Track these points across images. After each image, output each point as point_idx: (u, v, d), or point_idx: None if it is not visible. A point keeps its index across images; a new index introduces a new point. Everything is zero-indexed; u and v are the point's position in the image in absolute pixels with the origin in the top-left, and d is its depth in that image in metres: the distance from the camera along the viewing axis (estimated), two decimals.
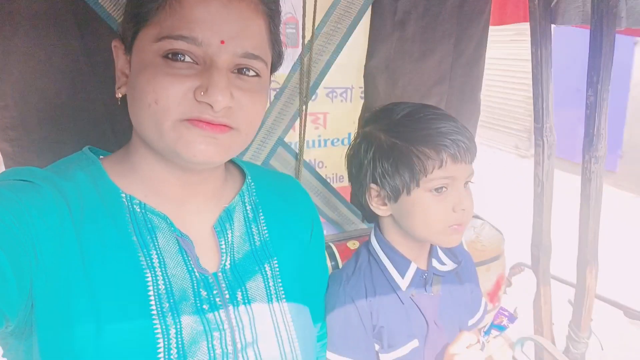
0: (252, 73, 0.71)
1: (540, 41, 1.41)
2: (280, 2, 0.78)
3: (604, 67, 1.24)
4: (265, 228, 0.88)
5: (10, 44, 0.98)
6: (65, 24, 1.01)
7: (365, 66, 1.35)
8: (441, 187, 0.92)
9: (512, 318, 0.92)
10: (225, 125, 0.69)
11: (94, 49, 1.04)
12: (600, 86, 1.25)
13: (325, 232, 1.38)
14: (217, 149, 0.69)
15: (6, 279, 0.57)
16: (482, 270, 1.51)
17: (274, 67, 0.80)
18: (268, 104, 1.26)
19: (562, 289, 1.65)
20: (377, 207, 1.01)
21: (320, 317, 0.99)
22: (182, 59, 0.66)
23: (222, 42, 0.66)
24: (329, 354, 0.98)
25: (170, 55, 0.66)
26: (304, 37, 1.21)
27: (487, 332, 0.94)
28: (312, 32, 1.21)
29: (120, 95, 0.75)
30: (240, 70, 0.70)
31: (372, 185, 1.00)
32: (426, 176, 0.91)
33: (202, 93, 0.65)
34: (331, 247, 1.30)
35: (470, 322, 1.12)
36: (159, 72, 0.66)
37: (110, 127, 1.10)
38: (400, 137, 0.94)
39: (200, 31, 0.65)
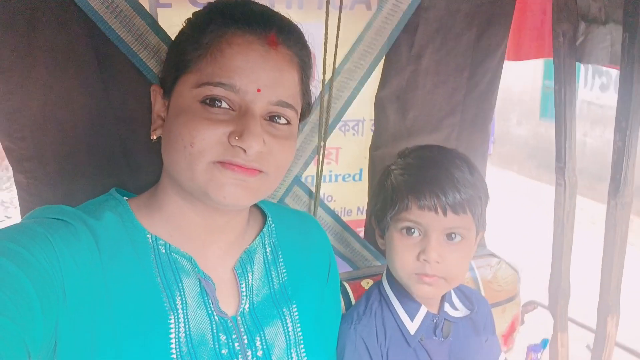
0: (283, 121, 0.75)
1: (564, 79, 1.38)
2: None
3: (634, 112, 1.20)
4: (284, 271, 0.89)
5: (29, 77, 0.98)
6: (85, 59, 1.01)
7: (377, 96, 1.34)
8: (409, 229, 0.94)
9: (537, 348, 0.89)
10: (255, 170, 0.72)
11: (112, 84, 1.05)
12: (630, 132, 1.21)
13: (338, 270, 1.35)
14: (246, 192, 0.72)
15: (33, 313, 0.58)
16: (498, 311, 1.46)
17: (303, 116, 0.83)
18: None
19: (579, 333, 1.60)
20: (380, 243, 1.05)
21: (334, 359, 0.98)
22: (219, 105, 0.71)
23: (259, 90, 0.71)
24: None
25: (208, 101, 0.70)
26: (324, 73, 1.19)
27: None
28: (333, 69, 1.19)
29: (155, 137, 0.79)
30: (272, 118, 0.74)
31: (373, 219, 1.05)
32: (395, 215, 0.95)
33: (237, 138, 0.68)
34: (344, 286, 1.27)
35: None
36: (196, 116, 0.69)
37: (126, 163, 1.10)
38: (396, 178, 0.98)
39: (238, 79, 0.70)
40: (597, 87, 7.24)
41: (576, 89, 1.40)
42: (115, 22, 0.99)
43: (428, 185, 0.92)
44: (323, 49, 1.14)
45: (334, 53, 1.17)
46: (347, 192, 1.40)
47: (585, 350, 1.57)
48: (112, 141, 1.08)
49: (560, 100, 1.40)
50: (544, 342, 0.89)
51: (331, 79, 1.21)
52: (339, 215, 1.42)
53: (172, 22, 0.92)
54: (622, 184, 1.27)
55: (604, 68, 7.32)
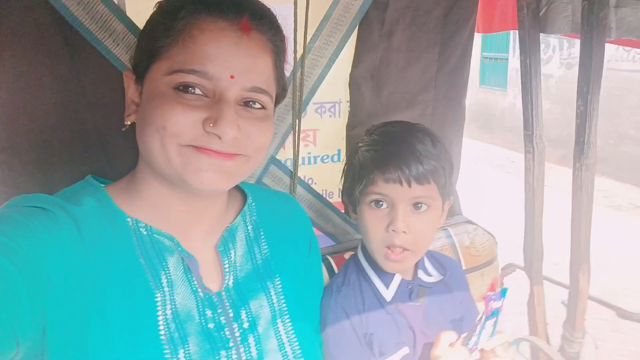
0: (258, 106, 0.75)
1: (529, 49, 1.42)
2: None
3: (594, 78, 1.25)
4: (266, 246, 0.90)
5: None
6: (55, 45, 0.99)
7: (351, 75, 1.35)
8: (378, 202, 0.99)
9: (497, 296, 0.88)
10: (232, 154, 0.72)
11: (83, 71, 1.03)
12: (591, 96, 1.26)
13: (321, 245, 1.38)
14: (223, 177, 0.73)
15: (20, 301, 0.59)
16: (476, 275, 1.51)
17: (278, 101, 0.84)
18: None
19: (556, 291, 1.67)
20: (353, 218, 1.09)
21: (318, 332, 1.01)
22: (192, 91, 0.70)
23: (232, 76, 0.70)
24: None
25: (181, 88, 0.70)
26: (295, 51, 1.19)
27: (482, 328, 0.90)
28: (304, 47, 1.20)
29: (128, 123, 0.78)
30: (246, 103, 0.74)
31: (344, 196, 1.10)
32: (363, 190, 0.99)
33: (211, 125, 0.68)
34: (328, 260, 1.30)
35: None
36: (170, 100, 0.69)
37: (102, 151, 1.09)
38: (363, 154, 1.01)
39: (211, 66, 0.69)
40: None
41: (540, 59, 1.43)
42: (78, 10, 0.97)
43: (392, 159, 0.96)
44: (293, 28, 1.15)
45: (304, 31, 1.18)
46: (327, 174, 1.42)
47: (561, 306, 1.64)
48: (86, 129, 1.06)
49: (526, 70, 1.44)
50: (503, 291, 0.89)
51: (302, 57, 1.21)
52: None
53: (140, 8, 0.91)
54: (586, 146, 1.32)
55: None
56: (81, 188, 0.78)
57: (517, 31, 1.40)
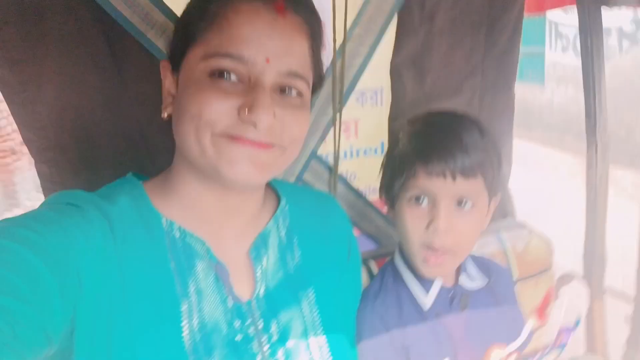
0: (294, 93, 0.73)
1: (590, 28, 1.29)
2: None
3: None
4: (299, 254, 0.87)
5: (43, 65, 0.98)
6: (96, 43, 1.01)
7: (392, 63, 1.29)
8: (418, 198, 0.91)
9: (570, 329, 0.86)
10: (268, 144, 0.70)
11: (125, 66, 1.04)
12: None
13: (362, 248, 1.31)
14: (258, 169, 0.70)
15: (52, 299, 0.58)
16: (530, 284, 1.42)
17: (315, 89, 0.80)
18: None
19: (619, 305, 1.54)
20: (390, 215, 1.03)
21: (354, 343, 0.96)
22: (227, 77, 0.69)
23: (267, 60, 0.68)
24: None
25: (216, 74, 0.68)
26: (334, 40, 1.15)
27: (544, 355, 0.88)
28: (344, 35, 1.15)
29: (166, 115, 0.77)
30: (283, 90, 0.72)
31: (382, 191, 1.03)
32: (404, 184, 0.93)
33: (247, 111, 0.67)
34: (369, 265, 1.24)
35: (511, 347, 1.03)
36: (205, 88, 0.68)
37: (144, 146, 1.10)
38: (404, 145, 0.95)
39: (246, 49, 0.68)
40: (560, 49, 7.58)
41: (602, 37, 1.30)
42: (119, 3, 0.98)
43: (436, 150, 0.89)
44: (332, 15, 1.11)
45: (343, 18, 1.13)
46: (370, 168, 1.34)
47: (624, 322, 1.52)
48: (129, 124, 1.07)
49: (587, 51, 1.31)
50: (577, 323, 0.86)
51: (343, 45, 1.16)
52: (365, 194, 1.38)
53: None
54: None
55: (564, 31, 7.17)
56: (119, 185, 0.77)
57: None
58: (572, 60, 7.38)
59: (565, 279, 1.83)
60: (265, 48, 0.68)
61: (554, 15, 7.63)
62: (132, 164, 0.93)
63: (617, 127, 6.65)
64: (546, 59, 8.60)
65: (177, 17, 1.00)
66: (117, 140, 1.07)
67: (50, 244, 0.61)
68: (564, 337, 0.84)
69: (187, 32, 0.72)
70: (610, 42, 7.01)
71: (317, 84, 0.81)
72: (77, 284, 0.63)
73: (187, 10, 0.76)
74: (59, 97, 1.00)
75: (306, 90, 0.75)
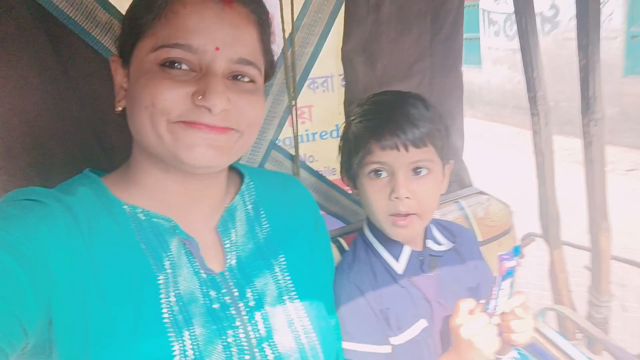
0: (246, 79, 0.74)
1: (523, 9, 1.39)
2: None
3: (593, 28, 1.21)
4: (267, 225, 0.89)
5: None
6: (38, 43, 0.98)
7: (342, 51, 1.34)
8: (377, 172, 0.97)
9: (511, 254, 0.86)
10: (225, 127, 0.71)
11: (70, 66, 1.02)
12: (591, 48, 1.22)
13: (330, 227, 1.36)
14: (217, 152, 0.71)
15: (25, 294, 0.58)
16: (494, 245, 1.48)
17: (267, 77, 0.82)
18: None
19: (578, 256, 1.63)
20: (354, 194, 1.08)
21: (333, 312, 0.99)
22: (178, 66, 0.69)
23: (217, 48, 0.69)
24: (344, 344, 0.97)
25: (167, 64, 0.69)
26: (283, 30, 1.18)
27: (498, 289, 0.88)
28: (292, 25, 1.19)
29: (120, 109, 0.77)
30: (235, 77, 0.73)
31: (342, 172, 1.07)
32: (361, 161, 0.98)
33: (200, 97, 0.67)
34: (339, 242, 1.28)
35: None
36: (156, 76, 0.68)
37: (99, 146, 1.08)
38: (356, 126, 1.00)
39: (195, 39, 0.68)
40: (493, 33, 8.43)
41: (534, 15, 1.39)
42: (61, 2, 0.96)
43: (387, 126, 0.95)
44: (279, 6, 1.14)
45: (290, 9, 1.17)
46: (326, 150, 1.40)
47: (584, 271, 1.60)
48: (80, 125, 1.04)
49: (522, 31, 1.41)
50: (515, 249, 0.86)
51: (291, 35, 1.20)
52: (324, 175, 1.42)
53: None
54: (592, 100, 1.28)
55: (495, 17, 7.83)
56: (77, 180, 0.77)
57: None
58: (504, 43, 8.25)
59: (528, 237, 1.92)
60: (214, 37, 0.69)
61: (485, 3, 8.26)
62: (87, 164, 0.86)
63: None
64: (481, 43, 8.95)
65: (121, 14, 0.99)
66: (68, 142, 1.04)
67: (15, 239, 0.60)
68: (506, 264, 0.86)
69: (135, 25, 0.72)
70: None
71: (269, 71, 0.82)
72: (48, 275, 0.62)
73: (134, 4, 0.76)
74: (2, 102, 0.96)
75: (258, 77, 0.76)
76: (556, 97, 6.67)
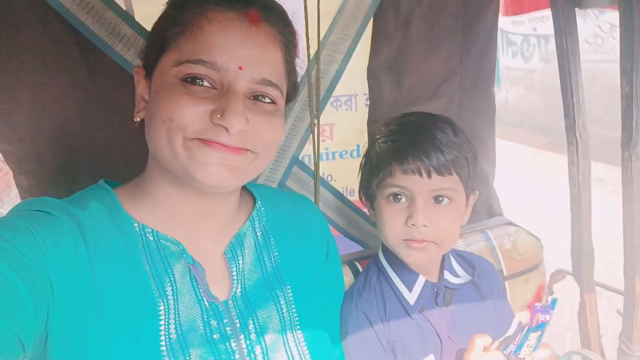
0: (267, 100, 0.73)
1: (564, 28, 1.30)
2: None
3: (638, 53, 1.13)
4: (276, 253, 0.87)
5: (19, 78, 1.00)
6: (71, 55, 1.03)
7: (368, 68, 1.31)
8: (396, 196, 0.94)
9: (546, 308, 0.81)
10: (240, 148, 0.70)
11: (99, 77, 1.06)
12: (636, 75, 1.14)
13: (348, 251, 1.32)
14: (230, 173, 0.70)
15: (25, 307, 0.58)
16: (520, 281, 1.42)
17: (289, 98, 0.81)
18: None
19: (611, 299, 1.53)
20: (370, 215, 1.05)
21: (338, 341, 0.96)
22: (200, 83, 0.69)
23: (240, 67, 0.69)
24: None
25: (189, 79, 0.69)
26: (308, 47, 1.17)
27: (524, 339, 0.83)
28: (318, 43, 1.18)
29: (138, 119, 0.77)
30: (256, 97, 0.72)
31: (361, 191, 1.05)
32: (381, 183, 0.95)
33: (219, 116, 0.67)
34: (356, 266, 1.24)
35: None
36: (177, 92, 0.68)
37: (121, 155, 1.11)
38: (380, 146, 0.98)
39: (219, 56, 0.68)
40: (510, 54, 8.69)
41: (577, 37, 1.31)
42: (87, 18, 1.00)
43: (411, 149, 0.91)
44: (305, 23, 1.13)
45: (317, 26, 1.15)
46: (346, 170, 1.37)
47: (616, 315, 1.50)
48: (106, 134, 1.08)
49: (563, 52, 1.32)
50: (553, 303, 0.82)
51: (317, 53, 1.18)
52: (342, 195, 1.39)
53: (149, 11, 0.92)
54: (635, 132, 1.19)
55: (513, 38, 7.95)
56: (90, 192, 0.77)
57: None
58: (521, 64, 8.50)
59: (558, 274, 1.83)
60: (238, 56, 0.69)
61: (503, 24, 8.29)
62: (110, 171, 0.91)
63: (559, 119, 7.48)
64: (500, 63, 8.98)
65: (145, 30, 1.02)
66: (94, 148, 1.08)
67: (20, 252, 0.61)
68: (540, 316, 0.81)
69: (160, 39, 0.73)
70: (549, 47, 8.01)
71: (291, 93, 0.81)
72: (49, 290, 0.62)
73: (161, 18, 0.76)
74: (35, 109, 1.02)
75: (280, 98, 0.75)
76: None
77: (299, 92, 1.21)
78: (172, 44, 0.71)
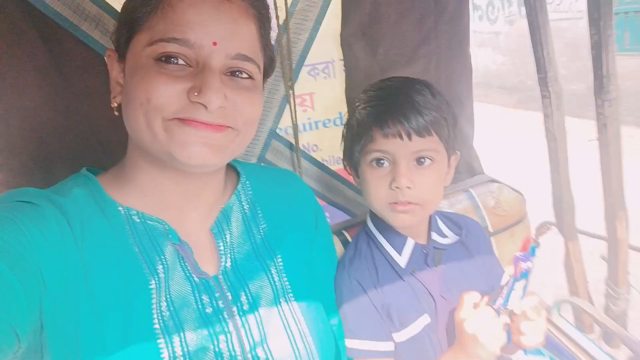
0: (244, 75, 0.72)
1: None
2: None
3: (604, 2, 1.14)
4: (264, 224, 0.86)
5: None
6: (31, 40, 0.99)
7: (341, 36, 1.29)
8: (379, 161, 0.94)
9: (526, 256, 0.82)
10: (221, 125, 0.68)
11: (63, 61, 1.02)
12: (603, 23, 1.15)
13: (335, 220, 1.33)
14: (213, 151, 0.69)
15: (17, 298, 0.58)
16: (506, 235, 1.44)
17: (267, 73, 0.80)
18: None
19: (594, 246, 1.56)
20: (356, 183, 1.05)
21: (334, 311, 0.96)
22: (175, 61, 0.67)
23: (215, 43, 0.67)
24: (347, 342, 0.94)
25: (163, 58, 0.67)
26: (277, 17, 1.15)
27: (510, 289, 0.85)
28: (286, 11, 1.16)
29: (115, 104, 0.75)
30: (233, 73, 0.71)
31: (344, 160, 1.05)
32: (363, 149, 0.95)
33: (196, 94, 0.66)
34: (344, 234, 1.25)
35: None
36: (152, 72, 0.66)
37: (96, 139, 1.08)
38: (360, 112, 0.97)
39: (192, 33, 0.66)
40: (477, 18, 9.16)
41: None
42: None
43: (390, 113, 0.91)
44: None
45: None
46: (330, 139, 1.36)
47: (600, 262, 1.54)
48: (77, 120, 1.05)
49: (531, 9, 1.33)
50: (532, 250, 0.82)
51: (286, 21, 1.16)
52: (328, 164, 1.39)
53: None
54: (606, 79, 1.21)
55: (477, 2, 8.45)
56: (72, 180, 0.76)
57: None
58: (487, 27, 8.95)
59: (544, 227, 1.86)
60: (212, 32, 0.67)
61: None
62: (86, 159, 0.90)
63: (525, 78, 8.10)
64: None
65: (110, 7, 0.98)
66: (67, 137, 1.05)
67: (7, 243, 0.60)
68: (522, 265, 0.82)
69: (130, 19, 0.70)
70: (512, 9, 8.67)
71: (268, 67, 0.80)
72: (40, 280, 0.62)
73: None
74: (1, 100, 0.98)
75: (257, 73, 0.74)
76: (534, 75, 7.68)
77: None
78: (143, 23, 0.69)
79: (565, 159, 1.44)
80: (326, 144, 1.38)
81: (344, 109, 1.36)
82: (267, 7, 0.78)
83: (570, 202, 1.48)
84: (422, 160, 0.93)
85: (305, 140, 1.34)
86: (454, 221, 1.09)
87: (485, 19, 9.02)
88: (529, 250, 0.82)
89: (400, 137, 0.90)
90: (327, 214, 1.18)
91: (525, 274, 0.83)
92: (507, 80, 8.65)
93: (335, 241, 1.14)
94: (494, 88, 8.66)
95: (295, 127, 1.25)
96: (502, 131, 6.64)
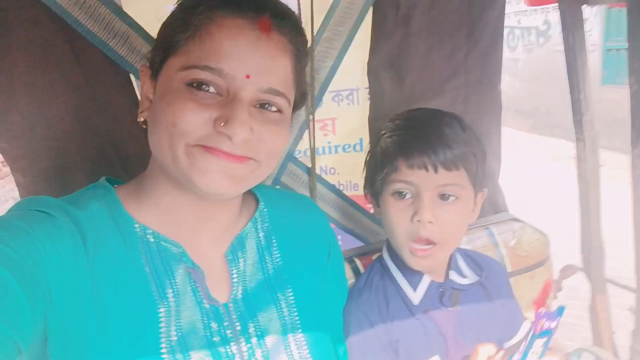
0: (274, 109, 0.72)
1: (571, 25, 1.27)
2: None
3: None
4: (278, 255, 0.86)
5: (12, 76, 1.01)
6: (62, 52, 1.03)
7: (368, 65, 1.28)
8: (401, 192, 0.91)
9: (551, 315, 0.77)
10: (243, 157, 0.69)
11: (92, 75, 1.05)
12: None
13: (348, 246, 1.32)
14: (231, 181, 0.69)
15: (21, 310, 0.58)
16: (525, 278, 1.38)
17: (296, 107, 0.80)
18: None
19: (623, 295, 1.48)
20: (376, 212, 1.02)
21: (342, 340, 0.95)
22: (206, 88, 0.68)
23: (248, 76, 0.68)
24: None
25: (194, 84, 0.68)
26: None
27: (528, 346, 0.79)
28: (312, 39, 1.16)
29: (142, 119, 0.76)
30: (262, 105, 0.71)
31: (366, 188, 1.03)
32: (386, 178, 0.93)
33: (222, 124, 0.66)
34: (355, 262, 1.23)
35: (509, 344, 1.01)
36: (181, 97, 0.67)
37: (115, 153, 1.11)
38: (385, 141, 0.95)
39: (226, 64, 0.67)
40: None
41: (584, 35, 1.28)
42: (80, 14, 1.00)
43: (417, 144, 0.89)
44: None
45: (310, 21, 1.13)
46: (349, 164, 1.36)
47: (628, 313, 1.46)
48: (99, 132, 1.08)
49: (569, 48, 1.29)
50: (560, 310, 0.77)
51: (311, 48, 1.16)
52: (344, 188, 1.38)
53: (142, 10, 0.96)
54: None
55: None
56: (91, 190, 0.77)
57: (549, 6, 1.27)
58: (507, 54, 9.94)
59: (569, 269, 1.77)
60: (247, 65, 0.68)
61: None
62: (105, 172, 0.90)
63: (540, 104, 8.89)
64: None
65: (138, 25, 1.02)
66: (87, 148, 1.08)
67: (19, 255, 0.60)
68: (545, 323, 0.77)
69: (168, 41, 0.72)
70: (531, 38, 9.34)
71: (299, 101, 0.80)
72: (47, 294, 0.62)
73: (170, 20, 0.75)
74: (29, 107, 1.02)
75: (286, 107, 0.74)
76: (548, 102, 8.46)
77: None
78: (179, 47, 0.70)
79: (597, 205, 1.38)
80: (344, 169, 1.38)
81: (365, 135, 1.36)
82: (305, 43, 0.78)
83: (600, 250, 1.41)
84: (447, 196, 0.90)
85: (323, 162, 1.34)
86: (476, 261, 1.05)
87: (506, 47, 9.12)
88: (556, 310, 0.78)
89: (426, 168, 0.88)
90: (339, 237, 1.17)
91: (547, 333, 0.78)
92: (522, 105, 9.15)
93: (345, 267, 1.13)
94: (511, 112, 9.02)
95: (312, 151, 1.25)
96: (515, 152, 6.89)
